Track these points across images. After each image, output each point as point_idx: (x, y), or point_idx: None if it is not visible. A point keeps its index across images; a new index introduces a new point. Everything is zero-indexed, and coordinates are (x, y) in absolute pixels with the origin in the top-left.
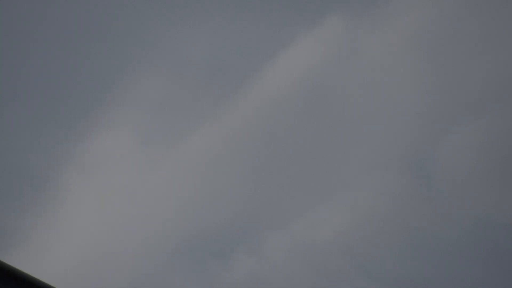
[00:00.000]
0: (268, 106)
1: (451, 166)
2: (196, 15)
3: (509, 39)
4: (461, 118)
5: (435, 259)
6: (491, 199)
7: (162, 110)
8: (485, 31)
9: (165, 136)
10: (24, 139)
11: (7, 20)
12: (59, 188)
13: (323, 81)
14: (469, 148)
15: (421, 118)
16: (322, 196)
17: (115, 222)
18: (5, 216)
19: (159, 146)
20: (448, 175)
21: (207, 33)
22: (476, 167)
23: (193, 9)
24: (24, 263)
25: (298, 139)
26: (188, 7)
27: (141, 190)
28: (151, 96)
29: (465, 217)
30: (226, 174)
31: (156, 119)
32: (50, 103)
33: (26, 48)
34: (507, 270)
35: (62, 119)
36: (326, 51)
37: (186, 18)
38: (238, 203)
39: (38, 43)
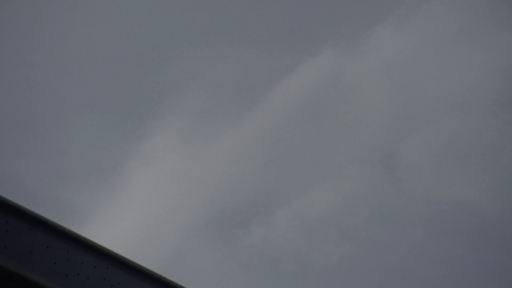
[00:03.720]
0: (277, 115)
1: (413, 160)
2: (225, 51)
3: (459, 65)
4: (422, 124)
5: (398, 227)
6: (442, 185)
7: (200, 117)
8: (442, 60)
9: (202, 137)
10: (102, 138)
11: (99, 44)
12: (124, 175)
13: (318, 97)
14: (427, 147)
15: (391, 124)
16: (317, 181)
17: (165, 201)
18: (84, 196)
19: (197, 145)
20: (410, 167)
21: (232, 62)
22: (432, 160)
23: (222, 46)
24: (96, 232)
25: (300, 139)
26: (219, 47)
27: (184, 177)
28: (192, 107)
29: (422, 197)
30: (245, 166)
31: (196, 124)
32: (120, 112)
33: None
34: (451, 235)
35: (129, 123)
36: (321, 75)
37: (218, 53)
38: (253, 186)
39: (113, 74)
